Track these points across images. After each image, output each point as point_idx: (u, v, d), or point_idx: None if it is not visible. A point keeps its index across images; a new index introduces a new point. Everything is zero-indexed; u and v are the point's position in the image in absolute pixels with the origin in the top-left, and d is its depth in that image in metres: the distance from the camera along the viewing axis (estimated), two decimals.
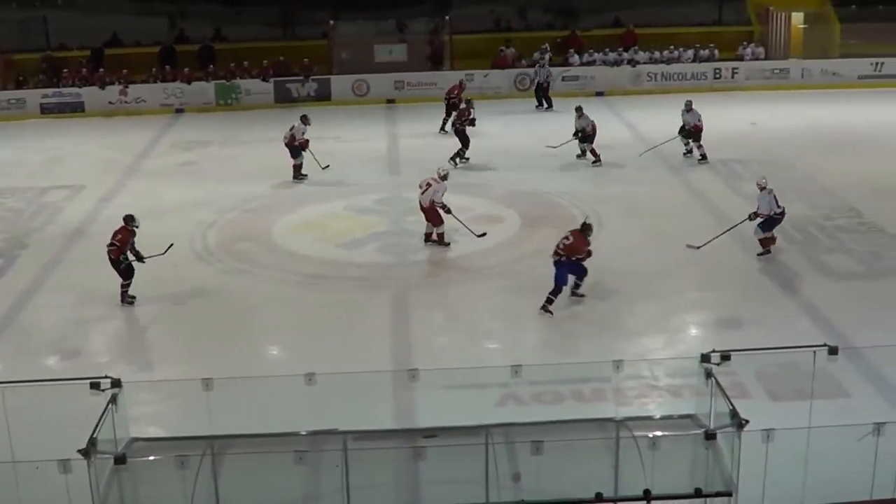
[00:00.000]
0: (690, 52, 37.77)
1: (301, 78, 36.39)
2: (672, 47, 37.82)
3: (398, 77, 36.55)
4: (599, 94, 35.64)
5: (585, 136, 27.27)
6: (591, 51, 37.80)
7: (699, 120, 26.89)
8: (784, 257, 20.01)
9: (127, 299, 18.19)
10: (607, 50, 37.87)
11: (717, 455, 10.56)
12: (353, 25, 38.68)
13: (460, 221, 20.67)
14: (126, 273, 18.20)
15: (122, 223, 18.35)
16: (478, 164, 27.15)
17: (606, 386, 14.09)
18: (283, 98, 36.16)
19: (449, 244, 20.62)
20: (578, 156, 27.45)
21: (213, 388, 11.38)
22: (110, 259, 18.14)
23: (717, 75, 37.00)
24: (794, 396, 13.54)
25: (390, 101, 36.18)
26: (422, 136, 30.86)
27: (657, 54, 37.78)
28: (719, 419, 10.79)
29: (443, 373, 13.51)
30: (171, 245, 19.12)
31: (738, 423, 10.26)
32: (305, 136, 26.09)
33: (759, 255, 19.85)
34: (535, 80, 35.58)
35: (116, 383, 10.79)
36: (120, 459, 9.95)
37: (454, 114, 28.76)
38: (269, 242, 21.45)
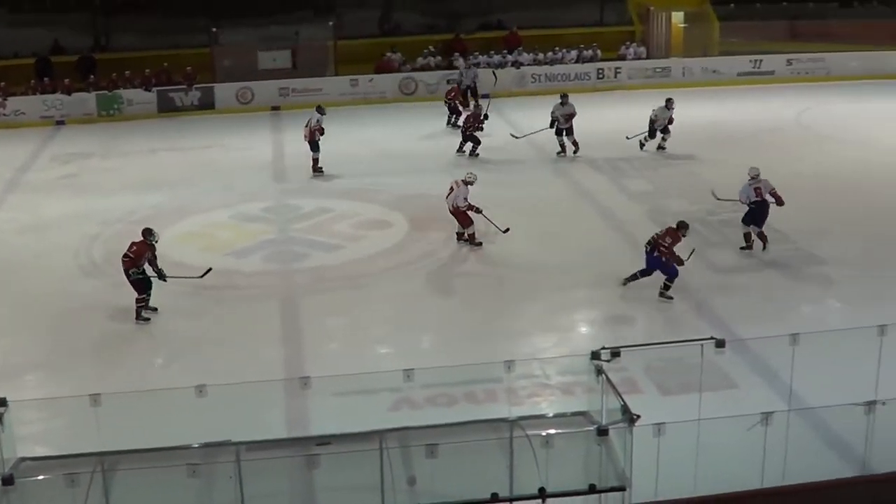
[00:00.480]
0: (574, 53, 38.15)
1: (184, 87, 35.89)
2: (556, 48, 38.16)
3: (283, 84, 36.25)
4: (485, 96, 35.74)
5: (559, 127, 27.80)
6: (476, 53, 37.94)
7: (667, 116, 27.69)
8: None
9: (142, 316, 17.61)
10: (492, 52, 38.05)
11: (609, 451, 10.65)
12: (237, 32, 38.22)
13: (488, 219, 20.87)
14: (140, 287, 17.59)
15: (140, 236, 17.82)
16: (364, 170, 27.06)
17: (499, 386, 14.14)
18: (167, 107, 35.63)
19: (481, 244, 20.77)
20: (559, 153, 28.06)
21: (102, 404, 11.15)
22: (124, 270, 17.66)
23: (601, 75, 37.41)
24: (684, 390, 13.72)
25: (275, 109, 35.87)
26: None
27: (541, 56, 38.07)
28: (611, 415, 10.88)
29: (335, 379, 13.40)
30: (210, 270, 18.53)
31: (630, 418, 10.36)
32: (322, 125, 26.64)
33: (741, 248, 20.40)
34: (463, 83, 35.59)
35: (2, 402, 10.54)
36: (7, 480, 9.71)
37: (463, 116, 29.09)
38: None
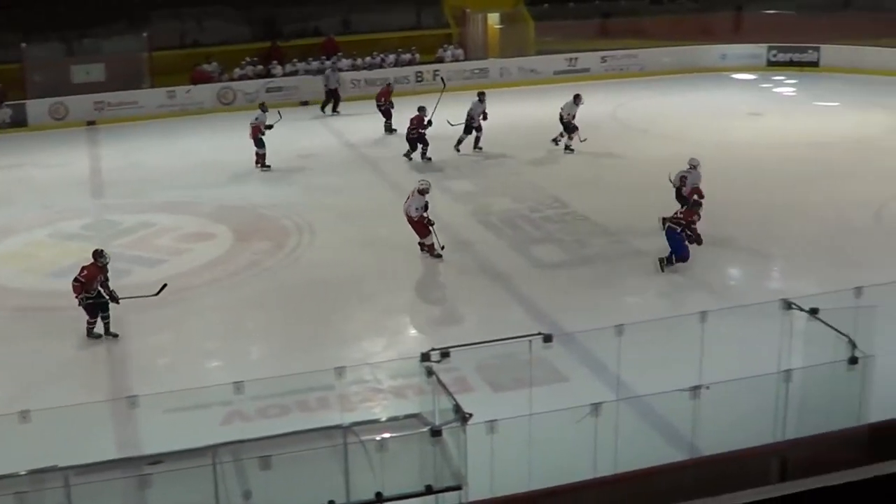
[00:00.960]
0: (392, 57, 38.21)
1: None
2: (374, 53, 38.16)
3: (98, 98, 35.34)
4: (304, 103, 35.59)
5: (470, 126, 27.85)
6: (295, 60, 37.70)
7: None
8: (495, 250, 20.49)
9: (93, 335, 16.99)
10: (310, 59, 37.86)
11: (444, 451, 10.66)
12: (47, 47, 37.12)
13: (434, 235, 20.28)
14: (90, 310, 16.87)
15: (90, 258, 17.07)
16: (186, 182, 26.64)
17: (330, 394, 14.05)
18: None
19: (440, 256, 20.16)
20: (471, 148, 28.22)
21: None
22: (75, 296, 16.88)
23: (419, 78, 37.57)
24: (515, 386, 13.85)
25: (91, 123, 34.96)
26: (125, 157, 29.96)
27: (359, 61, 38.03)
28: (444, 415, 10.91)
29: (163, 396, 13.14)
30: (165, 286, 17.78)
31: (462, 417, 10.40)
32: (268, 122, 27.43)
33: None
34: (326, 86, 35.30)
35: None
36: None
37: (413, 120, 27.81)
38: None
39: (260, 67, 37.46)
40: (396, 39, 39.58)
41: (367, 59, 38.11)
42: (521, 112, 32.70)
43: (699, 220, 19.11)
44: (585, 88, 35.01)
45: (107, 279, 17.02)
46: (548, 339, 12.85)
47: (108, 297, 16.91)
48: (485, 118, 28.03)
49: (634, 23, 42.51)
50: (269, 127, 27.52)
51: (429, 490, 10.39)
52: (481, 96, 28.03)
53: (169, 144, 30.63)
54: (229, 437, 11.28)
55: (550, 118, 30.15)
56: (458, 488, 10.40)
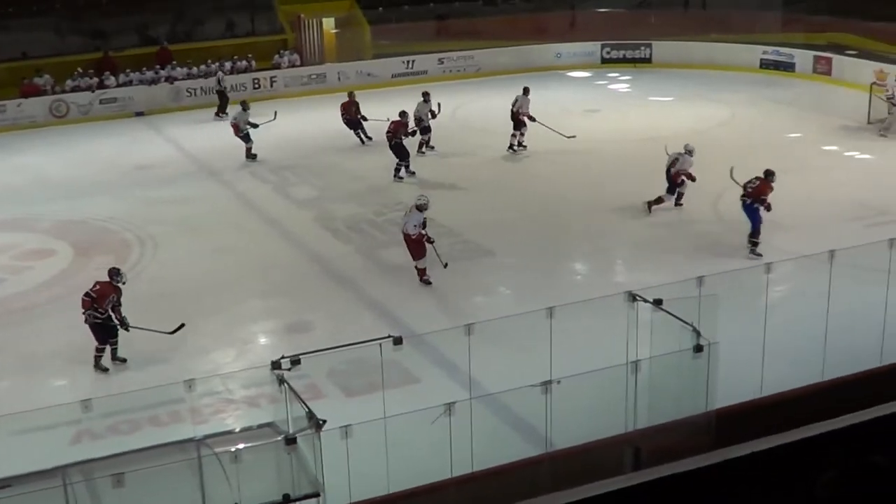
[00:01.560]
0: (228, 65, 37.77)
1: None
2: (209, 61, 37.65)
3: None
4: (139, 113, 34.97)
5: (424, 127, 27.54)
6: (128, 70, 36.99)
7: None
8: (342, 256, 20.44)
9: (100, 366, 15.94)
10: (144, 69, 37.18)
11: (300, 459, 10.61)
12: None
13: (436, 253, 19.05)
14: (98, 333, 15.88)
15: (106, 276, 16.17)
16: (21, 199, 25.92)
17: (182, 407, 13.83)
18: None
19: (430, 283, 18.80)
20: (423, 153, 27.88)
21: None
22: (83, 311, 15.92)
23: (256, 85, 37.22)
24: (368, 390, 13.85)
25: None
26: None
27: (195, 69, 37.50)
28: (297, 423, 10.85)
29: (6, 419, 12.76)
30: (183, 325, 16.57)
31: (316, 423, 10.36)
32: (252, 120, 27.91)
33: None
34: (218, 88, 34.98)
35: None
36: None
37: (393, 127, 26.29)
38: None
39: (93, 79, 36.60)
40: (232, 47, 39.14)
41: (202, 67, 37.58)
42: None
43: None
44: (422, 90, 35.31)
45: (119, 302, 16.12)
46: (398, 341, 12.88)
47: (118, 322, 16.05)
48: (433, 116, 27.95)
49: (470, 24, 42.82)
50: (254, 125, 27.82)
51: (286, 499, 10.33)
52: (426, 96, 27.77)
53: (1, 161, 29.77)
54: (79, 456, 11.07)
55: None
56: (315, 495, 10.37)
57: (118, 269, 16.42)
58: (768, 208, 19.53)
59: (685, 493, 6.17)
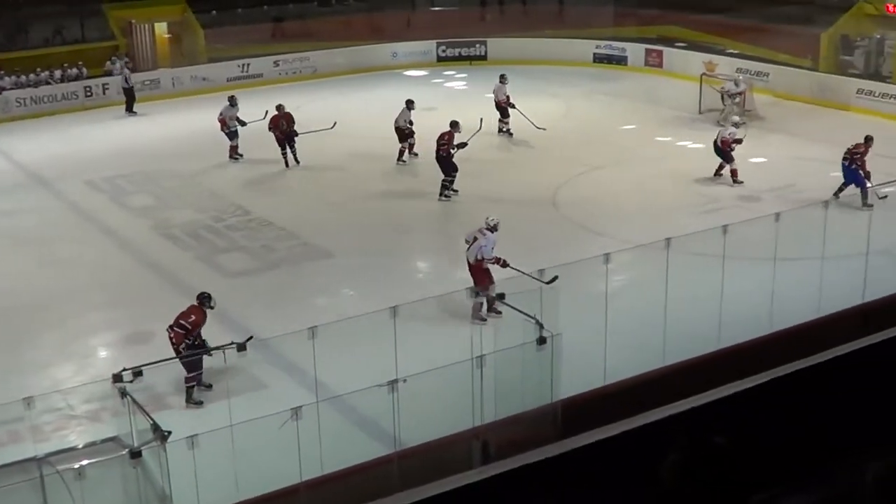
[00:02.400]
0: (58, 73, 36.81)
1: None
2: (38, 70, 36.60)
3: None
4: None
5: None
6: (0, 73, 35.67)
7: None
8: (181, 264, 20.13)
9: (194, 399, 14.39)
10: None
11: (146, 472, 10.43)
12: None
13: (523, 272, 15.65)
14: (193, 364, 14.37)
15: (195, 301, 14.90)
16: None
17: (21, 426, 13.39)
18: None
19: (501, 312, 15.53)
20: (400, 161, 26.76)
21: None
22: (171, 344, 14.53)
23: (89, 93, 36.35)
24: (214, 398, 13.67)
25: None
26: None
27: (23, 78, 36.40)
28: (143, 436, 10.65)
29: None
30: (251, 337, 14.53)
31: (161, 435, 10.19)
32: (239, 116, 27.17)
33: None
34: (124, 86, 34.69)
35: None
36: None
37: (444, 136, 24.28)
38: None
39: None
40: (62, 54, 38.11)
41: (31, 76, 36.50)
42: (195, 121, 32.12)
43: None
44: (261, 94, 35.01)
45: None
46: (242, 347, 12.78)
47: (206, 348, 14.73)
48: (411, 124, 27.05)
49: (305, 25, 42.58)
50: (243, 123, 27.06)
51: None
52: (410, 104, 27.08)
53: None
54: None
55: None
56: None
57: (209, 295, 15.04)
58: (867, 174, 21.08)
59: (534, 485, 6.21)
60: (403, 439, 12.40)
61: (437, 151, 23.60)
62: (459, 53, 40.58)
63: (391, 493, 5.82)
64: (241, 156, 27.36)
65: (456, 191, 23.51)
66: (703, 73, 32.37)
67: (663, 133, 28.74)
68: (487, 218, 17.16)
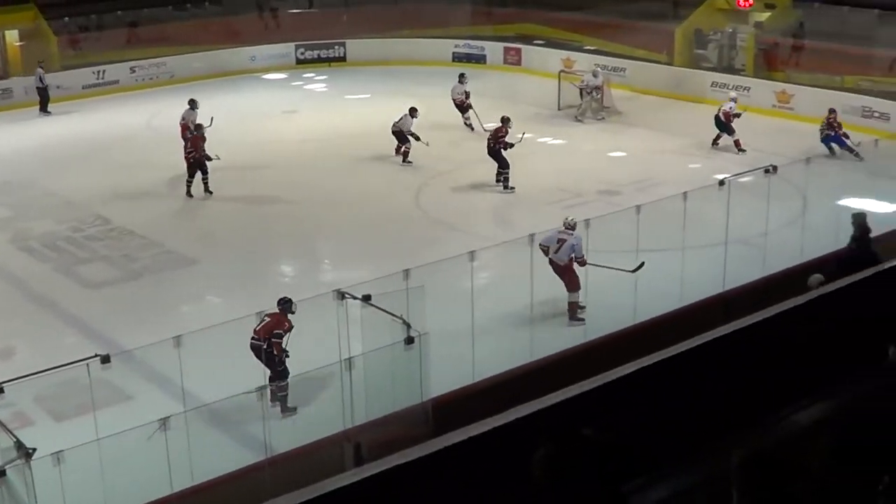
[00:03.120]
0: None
1: None
2: None
3: None
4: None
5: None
6: None
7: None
8: (40, 276, 19.66)
9: (290, 407, 13.76)
10: None
11: (11, 491, 10.17)
12: None
13: (608, 266, 16.28)
14: (283, 373, 13.76)
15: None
16: None
17: None
18: None
19: (583, 319, 16.22)
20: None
21: None
22: (272, 355, 13.74)
23: None
24: (80, 412, 13.39)
25: None
26: None
27: None
28: (6, 454, 10.39)
29: None
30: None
31: (25, 453, 9.95)
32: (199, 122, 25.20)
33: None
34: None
35: None
36: None
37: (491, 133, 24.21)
38: None
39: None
40: None
41: None
42: (50, 130, 31.46)
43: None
44: (117, 101, 34.46)
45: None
46: (105, 359, 12.54)
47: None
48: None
49: (161, 30, 41.91)
50: (199, 126, 25.04)
51: None
52: (413, 112, 26.52)
53: None
54: None
55: (84, 134, 29.51)
56: None
57: (290, 301, 14.34)
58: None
59: (408, 484, 6.22)
60: (274, 445, 12.32)
61: (491, 146, 23.80)
62: (318, 55, 40.39)
63: (264, 500, 5.77)
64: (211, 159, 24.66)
65: (513, 188, 23.58)
66: (562, 70, 32.79)
67: (524, 130, 28.97)
68: (567, 218, 16.58)
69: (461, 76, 29.76)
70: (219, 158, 24.01)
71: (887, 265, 10.37)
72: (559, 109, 30.62)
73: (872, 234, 15.70)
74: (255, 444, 12.45)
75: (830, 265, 15.24)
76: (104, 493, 11.23)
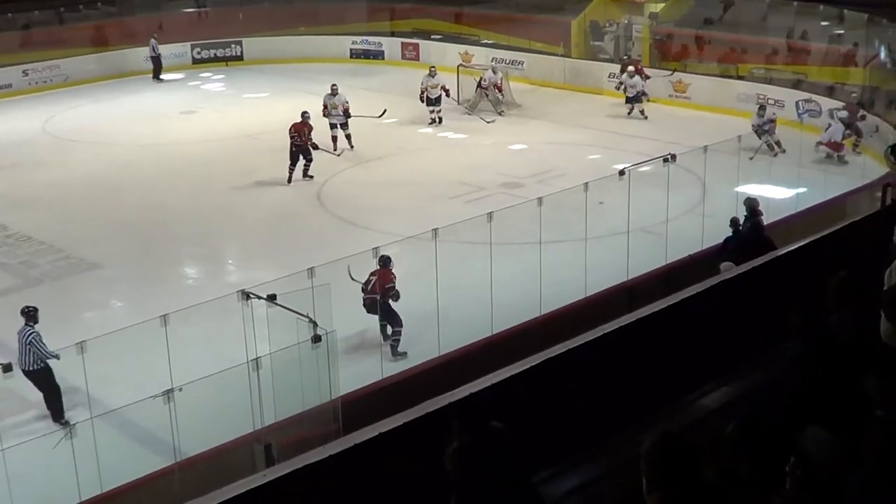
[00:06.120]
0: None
1: None
2: None
3: None
4: None
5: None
6: None
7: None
8: None
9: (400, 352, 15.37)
10: None
11: None
12: None
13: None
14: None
15: None
16: None
17: None
18: None
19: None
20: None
21: None
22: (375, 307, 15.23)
23: None
24: None
25: None
26: None
27: None
28: None
29: None
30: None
31: None
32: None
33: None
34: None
35: None
36: None
37: None
38: None
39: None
40: None
41: None
42: None
43: None
44: (10, 105, 33.82)
45: None
46: (7, 368, 12.33)
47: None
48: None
49: (53, 32, 41.13)
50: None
51: None
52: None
53: None
54: None
55: None
56: None
57: (388, 256, 15.60)
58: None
59: (320, 482, 6.23)
60: (183, 449, 12.21)
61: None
62: (215, 55, 40.07)
63: None
64: None
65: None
66: (460, 64, 32.89)
67: (424, 125, 29.06)
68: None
69: (431, 70, 29.76)
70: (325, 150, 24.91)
71: (783, 251, 10.63)
72: (458, 104, 30.69)
73: (766, 220, 16.08)
74: (164, 449, 12.32)
75: (723, 251, 15.54)
76: (11, 503, 11.06)
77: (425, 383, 12.73)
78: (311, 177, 24.22)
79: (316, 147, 24.27)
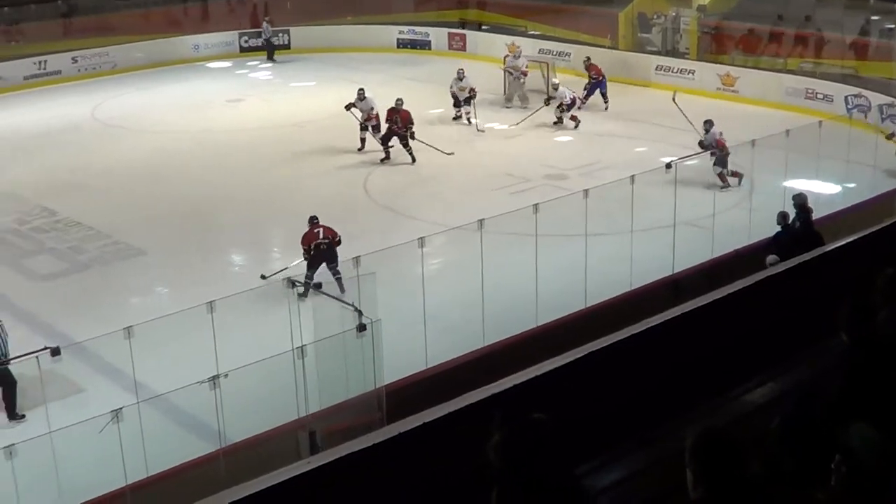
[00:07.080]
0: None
1: None
2: None
3: None
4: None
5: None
6: None
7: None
8: None
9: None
10: None
11: None
12: None
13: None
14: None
15: None
16: None
17: None
18: None
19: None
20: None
21: None
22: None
23: None
24: (30, 405, 13.36)
25: None
26: None
27: None
28: None
29: None
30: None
31: None
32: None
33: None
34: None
35: None
36: None
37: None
38: None
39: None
40: None
41: None
42: None
43: None
44: (60, 91, 34.11)
45: None
46: (56, 352, 12.45)
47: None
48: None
49: (101, 20, 41.40)
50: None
51: None
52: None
53: None
54: None
55: (25, 125, 29.19)
56: None
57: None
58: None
59: (363, 471, 6.27)
60: (228, 435, 12.31)
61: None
62: (262, 43, 40.23)
63: (220, 490, 5.80)
64: None
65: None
66: (506, 56, 32.83)
67: (471, 115, 29.04)
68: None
69: (460, 71, 29.19)
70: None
71: (831, 246, 10.57)
72: (504, 94, 30.65)
73: (815, 216, 15.98)
74: (209, 434, 12.43)
75: (772, 245, 15.48)
76: (58, 486, 11.19)
77: (469, 374, 12.77)
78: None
79: (413, 136, 24.66)
